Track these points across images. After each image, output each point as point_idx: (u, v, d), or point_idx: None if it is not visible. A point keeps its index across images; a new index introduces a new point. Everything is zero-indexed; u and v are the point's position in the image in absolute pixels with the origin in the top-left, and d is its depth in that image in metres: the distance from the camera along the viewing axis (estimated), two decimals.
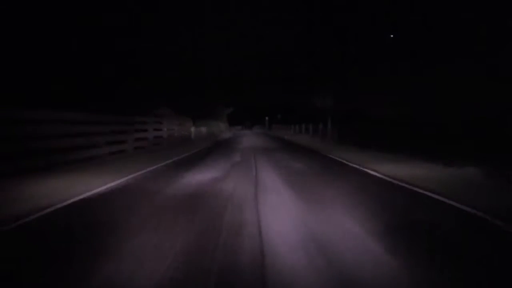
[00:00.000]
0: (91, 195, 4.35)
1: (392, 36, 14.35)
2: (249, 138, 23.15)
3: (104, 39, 10.76)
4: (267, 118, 60.59)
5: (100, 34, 10.45)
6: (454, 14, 11.13)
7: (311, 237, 2.68)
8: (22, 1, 7.83)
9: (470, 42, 10.56)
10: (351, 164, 7.43)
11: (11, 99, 6.79)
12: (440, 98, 11.00)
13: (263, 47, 21.74)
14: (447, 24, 11.43)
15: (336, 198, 4.08)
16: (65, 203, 3.88)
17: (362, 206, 3.62)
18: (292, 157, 9.22)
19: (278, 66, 25.23)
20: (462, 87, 10.05)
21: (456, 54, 10.95)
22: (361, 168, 6.73)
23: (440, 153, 7.49)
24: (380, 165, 6.88)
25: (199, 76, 22.10)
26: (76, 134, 7.19)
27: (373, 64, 15.38)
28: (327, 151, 10.78)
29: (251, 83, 30.23)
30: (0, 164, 5.17)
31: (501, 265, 2.24)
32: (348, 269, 2.11)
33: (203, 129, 23.49)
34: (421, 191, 4.44)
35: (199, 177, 5.77)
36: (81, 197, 4.20)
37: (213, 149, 12.69)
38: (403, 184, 4.92)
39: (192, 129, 19.58)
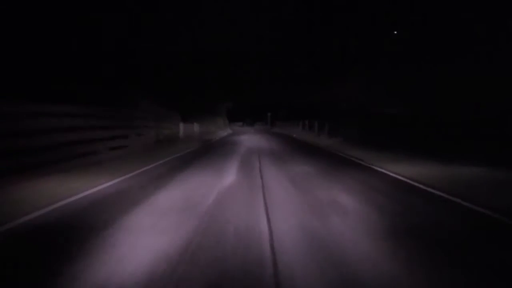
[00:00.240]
0: None
1: (396, 32, 14.29)
2: (251, 137, 21.16)
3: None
4: (269, 114, 56.85)
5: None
6: (454, 14, 11.11)
7: None
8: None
9: (471, 42, 10.54)
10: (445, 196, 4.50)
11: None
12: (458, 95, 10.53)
13: (263, 47, 21.70)
14: (448, 23, 11.41)
15: None
16: None
17: None
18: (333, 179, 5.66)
19: (279, 65, 25.01)
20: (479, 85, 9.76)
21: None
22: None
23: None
24: None
25: (198, 75, 21.90)
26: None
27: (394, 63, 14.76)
28: (371, 161, 7.86)
29: (251, 82, 29.96)
30: None
31: None
32: None
33: (196, 126, 20.40)
34: None
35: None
36: None
37: (202, 154, 10.20)
38: None
39: (181, 126, 16.84)
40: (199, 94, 23.99)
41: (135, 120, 10.73)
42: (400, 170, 6.41)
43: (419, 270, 2.25)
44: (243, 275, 2.14)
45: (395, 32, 14.89)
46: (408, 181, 5.54)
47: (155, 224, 3.22)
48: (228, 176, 5.89)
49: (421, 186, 5.13)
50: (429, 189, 4.87)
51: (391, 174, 6.23)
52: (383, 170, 6.66)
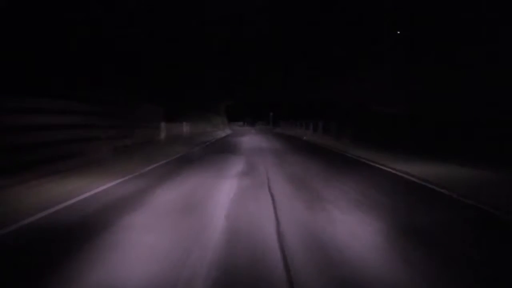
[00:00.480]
0: None
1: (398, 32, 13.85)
2: (254, 139, 18.72)
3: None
4: (271, 113, 53.99)
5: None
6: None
7: None
8: None
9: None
10: None
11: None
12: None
13: (263, 47, 21.23)
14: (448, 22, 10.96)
15: None
16: None
17: None
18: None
19: (280, 61, 24.13)
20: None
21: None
22: None
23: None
24: None
25: (198, 72, 21.01)
26: None
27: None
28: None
29: (252, 80, 29.00)
30: None
31: None
32: None
33: (186, 126, 17.18)
34: None
35: None
36: None
37: (174, 172, 7.06)
38: None
39: (163, 126, 13.68)
40: (194, 91, 21.36)
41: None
42: None
43: None
44: None
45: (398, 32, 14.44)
46: None
47: None
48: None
49: None
50: None
51: None
52: None
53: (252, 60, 23.17)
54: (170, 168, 7.89)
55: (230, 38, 18.45)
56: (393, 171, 7.35)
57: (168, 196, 4.99)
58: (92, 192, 5.14)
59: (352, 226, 3.50)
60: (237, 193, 5.08)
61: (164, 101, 14.63)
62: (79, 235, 3.36)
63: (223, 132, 28.34)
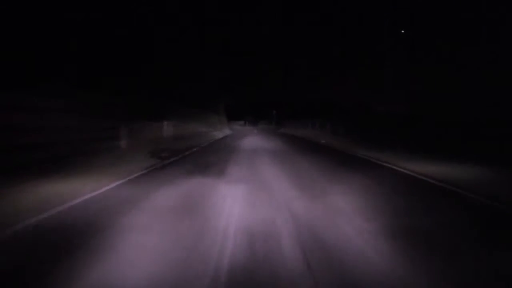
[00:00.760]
0: None
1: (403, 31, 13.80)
2: (258, 143, 14.10)
3: None
4: (274, 112, 49.80)
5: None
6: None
7: None
8: None
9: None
10: None
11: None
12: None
13: (263, 46, 21.23)
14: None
15: None
16: None
17: None
18: None
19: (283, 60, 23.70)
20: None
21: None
22: None
23: None
24: None
25: (197, 72, 20.97)
26: None
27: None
28: None
29: (253, 79, 28.37)
30: None
31: None
32: None
33: (168, 127, 13.28)
34: None
35: None
36: None
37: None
38: None
39: (123, 130, 9.54)
40: (186, 84, 18.60)
41: None
42: None
43: None
44: None
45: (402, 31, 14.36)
46: None
47: None
48: None
49: None
50: None
51: None
52: None
53: (252, 60, 23.12)
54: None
55: (230, 38, 18.35)
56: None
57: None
58: None
59: None
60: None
61: (133, 91, 11.17)
62: None
63: (220, 132, 23.65)
